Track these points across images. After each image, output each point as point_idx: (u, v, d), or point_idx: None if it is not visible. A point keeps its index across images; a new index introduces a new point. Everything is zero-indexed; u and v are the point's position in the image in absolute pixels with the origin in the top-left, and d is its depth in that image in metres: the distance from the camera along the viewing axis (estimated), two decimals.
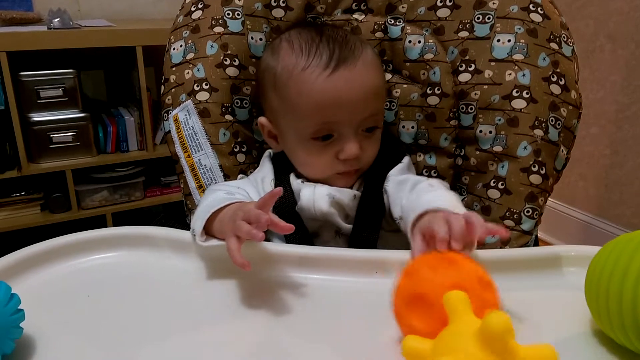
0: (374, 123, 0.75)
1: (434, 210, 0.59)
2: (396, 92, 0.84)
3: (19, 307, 0.49)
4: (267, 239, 0.76)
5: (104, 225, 1.93)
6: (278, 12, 0.84)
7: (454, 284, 0.47)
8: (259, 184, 0.77)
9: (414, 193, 0.69)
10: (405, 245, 0.72)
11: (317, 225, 0.75)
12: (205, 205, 0.67)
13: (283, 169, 0.79)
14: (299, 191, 0.75)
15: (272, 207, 0.74)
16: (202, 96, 0.80)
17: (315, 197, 0.73)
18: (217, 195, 0.69)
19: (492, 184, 0.76)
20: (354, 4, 0.85)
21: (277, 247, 0.66)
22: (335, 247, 0.68)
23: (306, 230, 0.75)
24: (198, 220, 0.65)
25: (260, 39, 0.83)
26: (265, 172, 0.79)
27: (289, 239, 0.73)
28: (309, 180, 0.77)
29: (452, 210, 0.58)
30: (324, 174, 0.76)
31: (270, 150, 0.83)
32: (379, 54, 0.85)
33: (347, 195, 0.75)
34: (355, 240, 0.74)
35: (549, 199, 0.76)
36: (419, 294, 0.48)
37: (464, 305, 0.43)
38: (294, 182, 0.77)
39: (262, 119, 0.80)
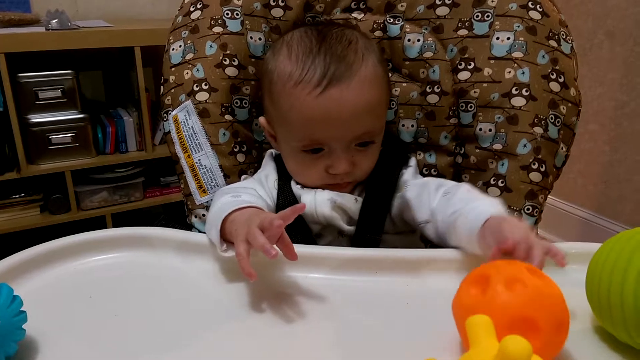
0: (369, 139, 0.73)
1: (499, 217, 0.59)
2: (396, 90, 0.84)
3: (21, 309, 0.49)
4: None
5: (104, 226, 1.93)
6: (277, 12, 0.84)
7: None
8: (263, 182, 0.78)
9: (457, 200, 0.68)
10: (407, 246, 0.72)
11: (320, 227, 0.76)
12: (215, 212, 0.67)
13: (285, 171, 0.79)
14: (300, 197, 0.75)
15: (276, 210, 0.74)
16: (202, 96, 0.80)
17: (316, 202, 0.73)
18: (224, 200, 0.68)
19: (492, 181, 0.76)
20: (352, 3, 0.85)
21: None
22: (338, 247, 0.68)
23: (309, 231, 0.75)
24: (212, 229, 0.65)
25: (260, 39, 0.83)
26: (268, 170, 0.79)
27: (292, 241, 0.73)
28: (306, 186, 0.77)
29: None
30: (315, 184, 0.76)
31: (272, 150, 0.83)
32: None
33: (348, 199, 0.75)
34: (358, 241, 0.74)
35: (548, 196, 0.76)
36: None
37: (485, 330, 0.42)
38: (294, 187, 0.77)
39: (262, 119, 0.80)
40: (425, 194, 0.72)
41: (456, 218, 0.65)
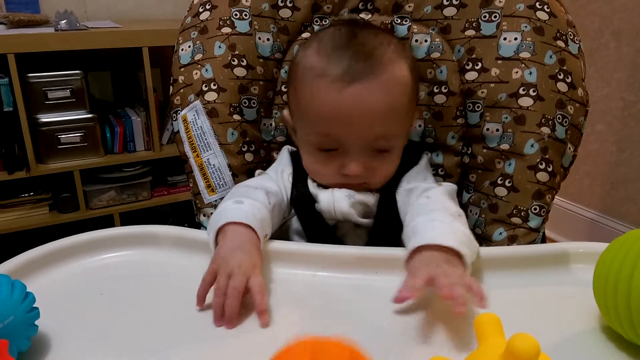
0: (386, 146, 0.72)
1: (429, 247, 0.59)
2: None
3: (33, 305, 0.50)
4: (286, 235, 0.77)
5: (112, 225, 1.94)
6: (285, 13, 0.85)
7: None
8: (279, 176, 0.78)
9: (414, 214, 0.67)
10: None
11: (335, 221, 0.75)
12: (215, 216, 0.67)
13: (300, 167, 0.78)
14: (316, 196, 0.75)
15: (294, 207, 0.75)
16: (211, 96, 0.81)
17: (334, 199, 0.73)
18: (226, 206, 0.68)
19: (499, 181, 0.76)
20: (360, 4, 0.85)
21: (289, 245, 0.68)
22: (344, 246, 0.69)
23: (326, 224, 0.75)
24: (210, 232, 0.66)
25: (268, 39, 0.84)
26: (284, 164, 0.80)
27: (309, 233, 0.75)
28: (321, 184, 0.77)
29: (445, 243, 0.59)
30: (328, 183, 0.75)
31: (288, 147, 0.83)
32: None
33: (366, 195, 0.74)
34: (375, 234, 0.74)
35: (555, 196, 0.76)
36: None
37: (493, 328, 0.42)
38: (310, 185, 0.76)
39: (285, 112, 0.80)
40: (409, 198, 0.72)
41: (409, 238, 0.63)
